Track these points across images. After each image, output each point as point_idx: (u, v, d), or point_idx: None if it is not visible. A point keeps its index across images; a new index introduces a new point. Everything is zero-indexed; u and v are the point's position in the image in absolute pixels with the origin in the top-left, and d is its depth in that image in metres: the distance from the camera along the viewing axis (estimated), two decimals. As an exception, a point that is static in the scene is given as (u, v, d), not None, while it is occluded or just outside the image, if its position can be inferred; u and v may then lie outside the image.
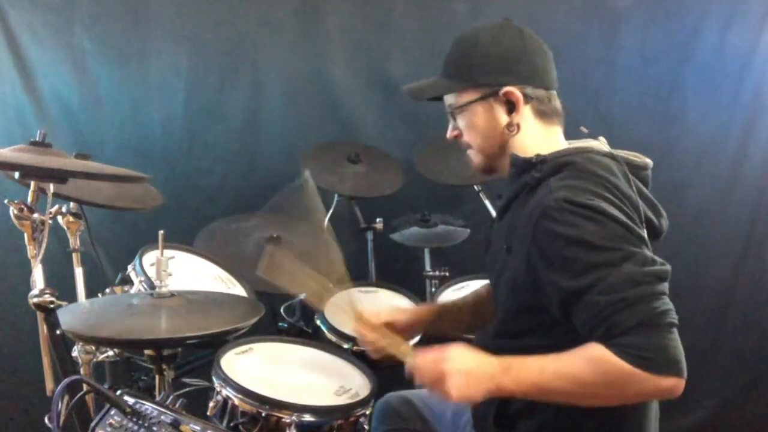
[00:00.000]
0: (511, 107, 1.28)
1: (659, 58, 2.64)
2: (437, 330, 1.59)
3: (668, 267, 1.13)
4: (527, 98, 1.28)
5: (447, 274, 2.41)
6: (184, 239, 2.03)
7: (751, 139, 2.67)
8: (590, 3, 2.64)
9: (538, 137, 1.30)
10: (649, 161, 1.32)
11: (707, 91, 2.66)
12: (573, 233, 1.11)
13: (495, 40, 1.30)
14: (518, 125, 1.29)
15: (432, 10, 2.64)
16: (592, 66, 2.66)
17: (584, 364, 1.09)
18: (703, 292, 2.73)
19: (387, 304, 2.12)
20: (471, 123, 1.33)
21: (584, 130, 1.35)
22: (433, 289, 2.38)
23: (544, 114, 1.31)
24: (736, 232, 2.72)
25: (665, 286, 1.11)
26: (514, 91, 1.27)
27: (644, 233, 1.17)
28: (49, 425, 1.14)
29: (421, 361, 1.25)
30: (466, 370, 1.17)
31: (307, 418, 1.41)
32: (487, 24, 1.34)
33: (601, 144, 1.32)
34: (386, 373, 1.63)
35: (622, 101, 2.67)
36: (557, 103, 1.33)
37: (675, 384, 1.05)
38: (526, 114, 1.29)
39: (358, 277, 2.22)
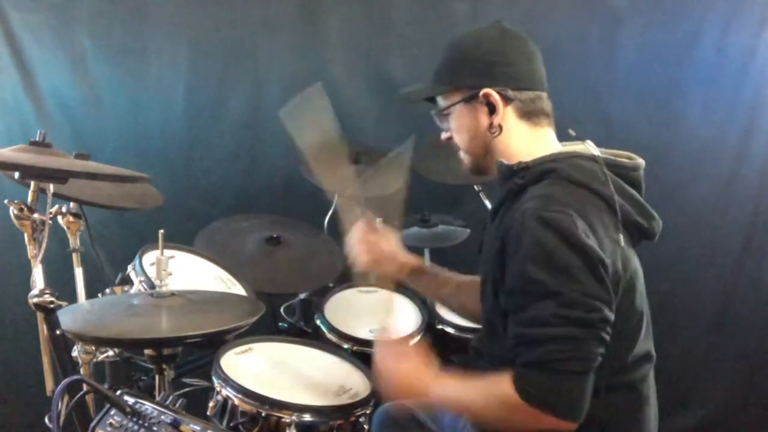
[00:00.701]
0: (492, 109, 1.30)
1: (659, 58, 2.64)
2: (416, 285, 1.65)
3: (602, 314, 1.12)
4: (507, 100, 1.30)
5: (447, 274, 2.41)
6: (184, 239, 2.02)
7: (751, 139, 2.67)
8: (590, 3, 2.63)
9: (523, 138, 1.32)
10: (640, 161, 1.32)
11: (707, 91, 2.65)
12: (524, 248, 1.13)
13: (477, 43, 1.33)
14: (500, 126, 1.31)
15: (432, 10, 2.64)
16: (592, 66, 2.65)
17: (483, 392, 1.20)
18: (703, 292, 2.73)
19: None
20: (457, 125, 1.37)
21: (572, 132, 1.36)
22: (433, 289, 2.38)
23: (529, 114, 1.32)
24: (736, 232, 2.72)
25: (588, 332, 1.11)
26: (492, 93, 1.29)
27: (606, 253, 1.15)
28: (49, 425, 1.14)
29: (383, 348, 1.38)
30: (399, 383, 1.31)
31: (307, 418, 1.41)
32: (476, 27, 1.36)
33: (587, 147, 1.32)
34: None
35: (622, 101, 2.66)
36: (545, 104, 1.33)
37: (557, 424, 1.12)
38: (508, 115, 1.31)
39: (358, 277, 2.22)
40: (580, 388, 1.12)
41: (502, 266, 1.20)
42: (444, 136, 1.42)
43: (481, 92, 1.29)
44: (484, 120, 1.32)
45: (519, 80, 1.30)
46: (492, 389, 1.18)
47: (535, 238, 1.12)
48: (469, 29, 1.37)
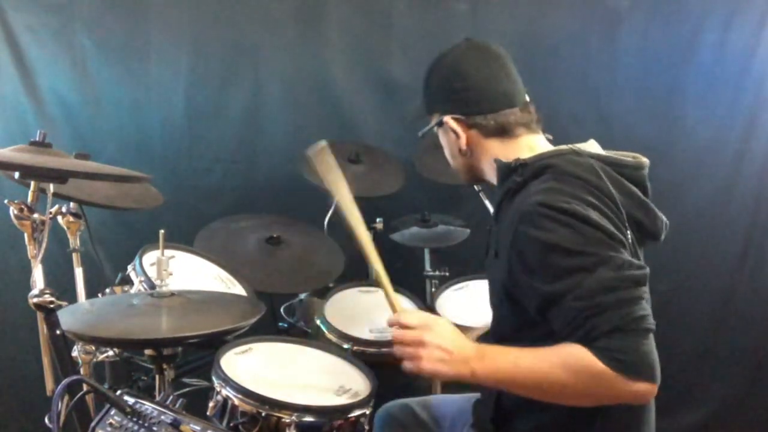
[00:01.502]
0: (455, 134, 1.36)
1: (659, 58, 2.64)
2: None
3: (646, 271, 1.13)
4: (467, 125, 1.35)
5: (447, 274, 2.41)
6: (184, 239, 2.03)
7: (751, 139, 2.67)
8: (590, 3, 2.63)
9: (501, 152, 1.33)
10: (644, 161, 1.32)
11: (707, 91, 2.65)
12: (548, 238, 1.12)
13: (439, 70, 1.40)
14: (470, 148, 1.36)
15: (432, 10, 2.64)
16: (592, 66, 2.65)
17: (559, 361, 1.10)
18: (704, 292, 2.73)
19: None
20: (442, 144, 1.46)
21: (549, 137, 1.38)
22: (433, 289, 2.38)
23: (498, 132, 1.34)
24: (736, 232, 2.72)
25: (642, 290, 1.11)
26: (449, 120, 1.36)
27: (626, 236, 1.17)
28: (49, 425, 1.13)
29: (405, 318, 1.26)
30: (445, 346, 1.18)
31: (307, 418, 1.41)
32: (447, 49, 1.40)
33: (590, 146, 1.32)
34: (386, 379, 1.63)
35: (622, 101, 2.66)
36: (517, 117, 1.34)
37: (647, 389, 1.07)
38: (474, 137, 1.35)
39: (358, 277, 2.22)
40: (653, 346, 1.08)
41: (512, 267, 1.19)
42: None
43: (443, 119, 1.37)
44: (454, 143, 1.38)
45: (478, 104, 1.34)
46: (573, 362, 1.08)
47: (556, 222, 1.12)
48: (442, 52, 1.41)
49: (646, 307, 1.09)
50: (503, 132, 1.33)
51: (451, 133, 1.37)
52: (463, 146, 1.36)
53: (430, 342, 1.18)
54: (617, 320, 1.07)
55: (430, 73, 1.41)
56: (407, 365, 1.21)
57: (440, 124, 1.39)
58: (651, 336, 1.08)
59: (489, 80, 1.34)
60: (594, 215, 1.13)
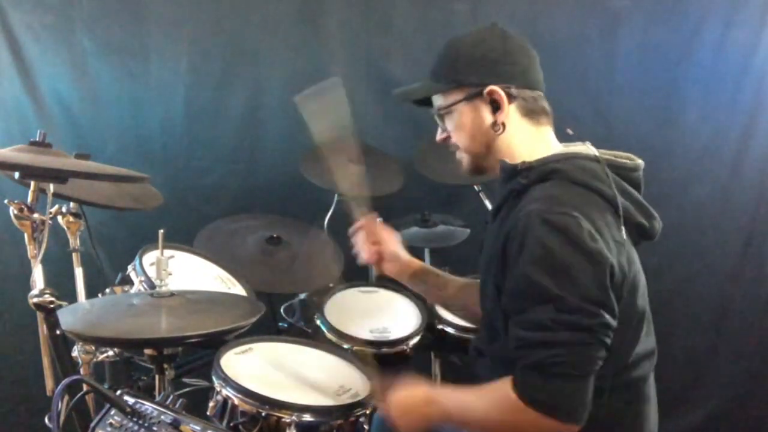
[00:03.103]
0: (496, 106, 1.30)
1: (659, 58, 2.64)
2: (418, 287, 1.66)
3: (602, 320, 1.12)
4: (511, 97, 1.29)
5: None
6: (184, 239, 2.03)
7: (751, 139, 2.67)
8: (590, 3, 2.63)
9: (525, 137, 1.32)
10: (640, 162, 1.32)
11: (707, 91, 2.65)
12: (529, 251, 1.13)
13: (477, 42, 1.32)
14: (503, 124, 1.30)
15: (432, 10, 2.64)
16: (592, 66, 2.65)
17: (489, 402, 1.20)
18: (703, 292, 2.73)
19: (387, 304, 2.12)
20: (458, 123, 1.35)
21: (569, 132, 1.37)
22: (433, 289, 2.38)
23: (531, 113, 1.32)
24: (736, 232, 2.72)
25: (584, 337, 1.11)
26: (498, 89, 1.28)
27: (612, 254, 1.14)
28: (49, 425, 1.14)
29: (384, 409, 1.36)
30: (402, 412, 1.31)
31: (307, 418, 1.41)
32: (473, 29, 1.36)
33: (587, 148, 1.32)
34: (386, 379, 1.62)
35: (622, 101, 2.66)
36: (545, 104, 1.34)
37: (558, 428, 1.12)
38: (511, 113, 1.30)
39: (358, 277, 2.22)
40: (580, 391, 1.12)
41: (504, 267, 1.20)
42: (440, 136, 1.41)
43: (486, 90, 1.29)
44: (487, 118, 1.31)
45: (522, 78, 1.30)
46: (493, 394, 1.19)
47: (539, 241, 1.12)
48: (467, 31, 1.36)
49: (581, 353, 1.11)
50: (535, 114, 1.32)
51: (484, 108, 1.30)
52: (501, 119, 1.29)
53: (395, 417, 1.32)
54: (538, 359, 1.12)
55: (462, 44, 1.33)
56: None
57: (476, 95, 1.30)
58: (576, 380, 1.12)
59: (528, 60, 1.32)
60: (583, 234, 1.12)
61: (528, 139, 1.31)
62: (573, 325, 1.11)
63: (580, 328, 1.11)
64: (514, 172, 1.27)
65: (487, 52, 1.30)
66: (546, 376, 1.11)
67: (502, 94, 1.28)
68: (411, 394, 1.32)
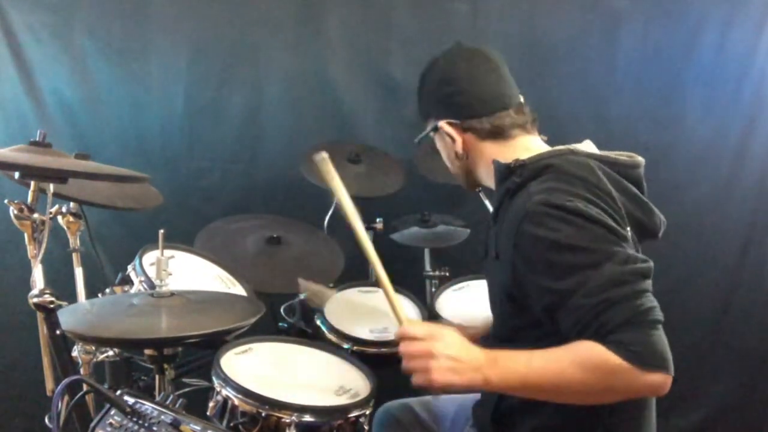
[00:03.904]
0: (451, 138, 1.37)
1: (659, 58, 2.64)
2: None
3: (650, 264, 1.13)
4: (462, 129, 1.35)
5: (447, 274, 2.41)
6: (184, 239, 2.02)
7: (751, 139, 2.67)
8: (590, 3, 2.63)
9: (496, 154, 1.33)
10: (640, 160, 1.32)
11: (707, 91, 2.65)
12: (552, 236, 1.12)
13: (431, 74, 1.40)
14: (466, 152, 1.37)
15: (432, 10, 2.64)
16: (592, 66, 2.65)
17: (574, 360, 1.08)
18: (703, 292, 2.73)
19: (387, 304, 2.12)
20: (439, 148, 1.47)
21: (543, 137, 1.39)
22: (433, 289, 2.38)
23: (492, 134, 1.34)
24: (736, 232, 2.72)
25: (648, 284, 1.11)
26: (443, 125, 1.37)
27: (627, 232, 1.17)
28: (49, 425, 1.14)
29: (412, 330, 1.19)
30: (454, 355, 1.13)
31: (307, 418, 1.41)
32: (440, 54, 1.40)
33: (586, 146, 1.32)
34: (386, 379, 1.63)
35: (622, 101, 2.66)
36: (512, 118, 1.34)
37: (663, 380, 1.06)
38: (469, 141, 1.36)
39: (358, 277, 2.22)
40: (664, 337, 1.09)
41: (515, 268, 1.18)
42: None
43: (438, 124, 1.37)
44: (450, 147, 1.39)
45: (471, 107, 1.34)
46: (588, 359, 1.07)
47: (560, 221, 1.12)
48: (433, 58, 1.41)
49: (653, 300, 1.09)
50: (498, 134, 1.34)
51: (447, 138, 1.38)
52: (459, 150, 1.37)
53: (440, 352, 1.13)
54: (627, 313, 1.06)
55: (423, 79, 1.42)
56: (417, 379, 1.15)
57: (435, 129, 1.40)
58: (661, 327, 1.08)
59: (481, 83, 1.35)
60: (595, 212, 1.13)
61: (501, 155, 1.33)
62: (641, 271, 1.10)
63: (644, 273, 1.10)
64: (508, 171, 1.28)
65: (437, 85, 1.38)
66: (644, 327, 1.06)
67: (449, 129, 1.36)
68: (464, 345, 1.16)
